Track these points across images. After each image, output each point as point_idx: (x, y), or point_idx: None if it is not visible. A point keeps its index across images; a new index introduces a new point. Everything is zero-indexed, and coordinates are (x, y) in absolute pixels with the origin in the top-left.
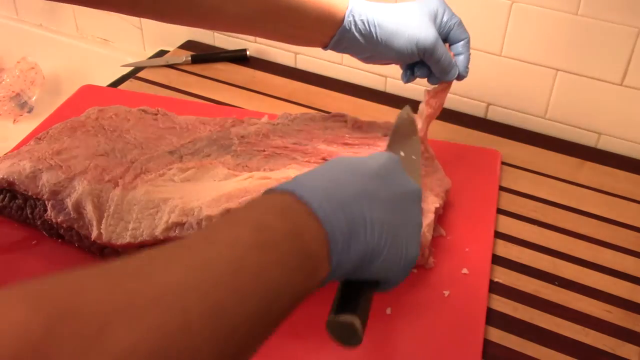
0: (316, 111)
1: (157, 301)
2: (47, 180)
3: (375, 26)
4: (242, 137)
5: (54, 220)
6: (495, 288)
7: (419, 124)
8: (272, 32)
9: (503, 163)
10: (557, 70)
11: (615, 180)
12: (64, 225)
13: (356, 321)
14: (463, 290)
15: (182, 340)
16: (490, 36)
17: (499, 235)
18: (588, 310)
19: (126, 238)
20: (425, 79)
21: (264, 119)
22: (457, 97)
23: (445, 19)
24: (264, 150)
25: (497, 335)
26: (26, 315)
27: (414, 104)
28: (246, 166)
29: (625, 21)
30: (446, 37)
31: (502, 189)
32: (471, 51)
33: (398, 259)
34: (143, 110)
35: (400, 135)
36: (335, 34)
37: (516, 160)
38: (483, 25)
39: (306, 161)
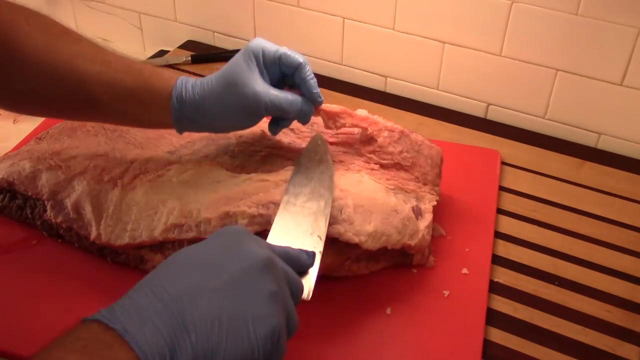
0: None
1: None
2: (46, 180)
3: (199, 107)
4: (240, 136)
5: (53, 221)
6: (495, 288)
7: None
8: (114, 118)
9: (503, 163)
10: (557, 70)
11: (615, 180)
12: (64, 225)
13: None
14: (463, 290)
15: None
16: (490, 36)
17: (499, 235)
18: (588, 310)
19: (125, 239)
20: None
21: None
22: (457, 97)
23: (268, 58)
24: (261, 151)
25: (497, 335)
26: None
27: (416, 104)
28: (244, 167)
29: (625, 21)
30: (283, 73)
31: (502, 189)
32: (471, 51)
33: (245, 345)
34: None
35: (309, 158)
36: (172, 119)
37: (516, 160)
38: (483, 25)
39: None
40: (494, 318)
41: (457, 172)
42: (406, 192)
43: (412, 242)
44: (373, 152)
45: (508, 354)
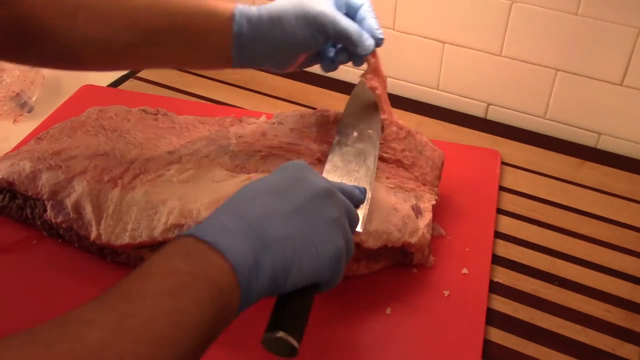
0: (305, 108)
1: None
2: (46, 180)
3: (263, 20)
4: (240, 136)
5: (53, 221)
6: (495, 288)
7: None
8: (168, 56)
9: (503, 163)
10: (557, 70)
11: (615, 180)
12: (64, 225)
13: (287, 336)
14: (463, 290)
15: None
16: (490, 36)
17: (499, 235)
18: (588, 310)
19: (125, 239)
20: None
21: (262, 119)
22: (457, 97)
23: None
24: (261, 151)
25: (497, 335)
26: None
27: (416, 104)
28: (244, 167)
29: (625, 21)
30: (346, 12)
31: (502, 189)
32: (471, 51)
33: (315, 263)
34: (143, 110)
35: (354, 109)
36: (233, 45)
37: (516, 160)
38: (483, 25)
39: None
40: (494, 318)
41: (457, 172)
42: (406, 190)
43: (413, 240)
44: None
45: (508, 354)
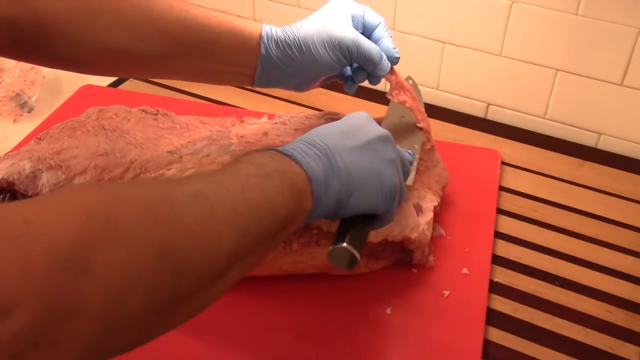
0: (305, 108)
1: (189, 198)
2: (47, 180)
3: (291, 45)
4: (242, 136)
5: None
6: (495, 288)
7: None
8: (191, 70)
9: (503, 163)
10: (557, 70)
11: (615, 180)
12: None
13: (349, 246)
14: (463, 290)
15: (209, 225)
16: (490, 36)
17: (499, 235)
18: (588, 310)
19: None
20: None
21: (264, 119)
22: (457, 97)
23: (354, 12)
24: None
25: (497, 335)
26: (96, 196)
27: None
28: None
29: (625, 21)
30: (362, 30)
31: (502, 189)
32: (471, 51)
33: (374, 191)
34: (143, 110)
35: (392, 131)
36: (257, 65)
37: (516, 160)
38: (483, 25)
39: None
40: (494, 318)
41: (457, 172)
42: (409, 190)
43: (413, 236)
44: None
45: (508, 354)
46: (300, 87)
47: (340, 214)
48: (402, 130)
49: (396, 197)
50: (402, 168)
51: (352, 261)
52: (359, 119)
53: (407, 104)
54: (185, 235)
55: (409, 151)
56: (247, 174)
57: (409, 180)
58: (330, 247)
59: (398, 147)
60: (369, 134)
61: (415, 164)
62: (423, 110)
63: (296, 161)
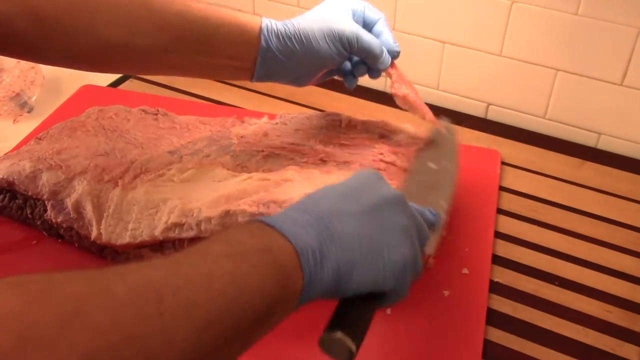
0: (306, 108)
1: (131, 292)
2: (47, 180)
3: (291, 37)
4: (242, 136)
5: (53, 221)
6: (495, 288)
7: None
8: (190, 65)
9: (503, 163)
10: (557, 70)
11: (615, 180)
12: (64, 225)
13: (346, 338)
14: (463, 290)
15: (156, 324)
16: (490, 36)
17: (499, 235)
18: (588, 310)
19: (126, 238)
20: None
21: (264, 119)
22: (457, 97)
23: (354, 7)
24: (263, 151)
25: (497, 335)
26: (12, 299)
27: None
28: (245, 167)
29: (625, 21)
30: (362, 25)
31: (502, 189)
32: (471, 51)
33: (379, 267)
34: (143, 110)
35: (435, 145)
36: (257, 58)
37: (516, 160)
38: (483, 25)
39: (304, 162)
40: (494, 318)
41: None
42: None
43: None
44: (393, 149)
45: (508, 354)
46: (300, 80)
47: (342, 292)
48: (428, 183)
49: (409, 272)
50: (420, 233)
51: (349, 354)
52: (365, 178)
53: (409, 97)
54: (122, 342)
55: (431, 210)
56: (216, 254)
57: (429, 249)
58: (323, 334)
59: (417, 207)
60: (377, 196)
61: (438, 226)
62: (425, 105)
63: (281, 233)
